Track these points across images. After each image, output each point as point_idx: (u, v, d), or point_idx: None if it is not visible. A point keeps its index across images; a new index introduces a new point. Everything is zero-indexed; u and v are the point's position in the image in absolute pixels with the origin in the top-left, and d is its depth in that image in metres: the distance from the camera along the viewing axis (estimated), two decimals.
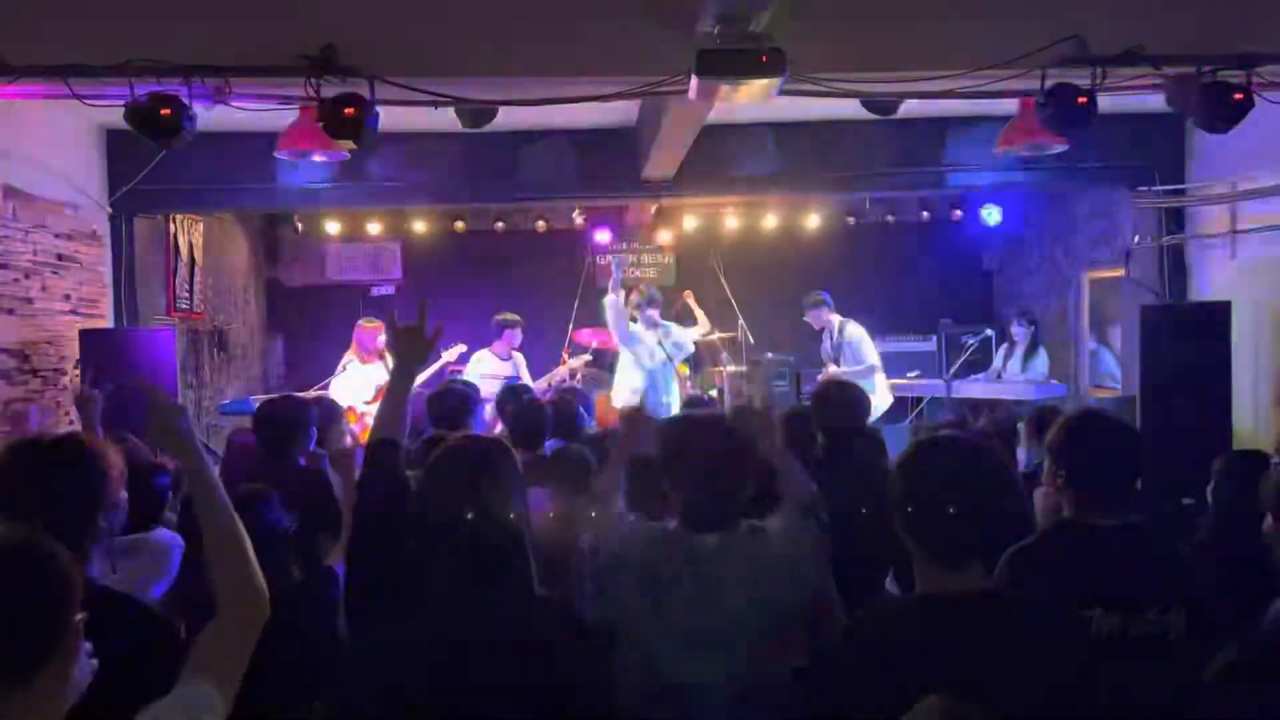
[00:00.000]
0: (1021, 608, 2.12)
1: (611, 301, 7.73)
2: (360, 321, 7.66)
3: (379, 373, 7.29)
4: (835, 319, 8.37)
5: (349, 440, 4.63)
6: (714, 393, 9.22)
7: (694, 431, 2.63)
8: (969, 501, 2.02)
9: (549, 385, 8.08)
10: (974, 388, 8.57)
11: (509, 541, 2.19)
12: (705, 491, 2.51)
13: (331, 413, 4.90)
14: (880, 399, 7.65)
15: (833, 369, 8.17)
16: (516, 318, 8.13)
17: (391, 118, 4.79)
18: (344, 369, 7.54)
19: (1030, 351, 8.65)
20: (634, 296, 7.96)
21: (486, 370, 7.84)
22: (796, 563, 2.52)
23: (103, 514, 2.30)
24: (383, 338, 7.42)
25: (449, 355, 7.97)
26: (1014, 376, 8.60)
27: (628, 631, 2.39)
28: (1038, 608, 2.14)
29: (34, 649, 1.52)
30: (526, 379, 8.09)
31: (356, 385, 7.40)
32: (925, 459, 2.13)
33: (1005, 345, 8.95)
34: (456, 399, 4.76)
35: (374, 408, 7.26)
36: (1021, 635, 2.01)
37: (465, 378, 7.78)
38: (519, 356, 8.25)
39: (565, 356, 9.11)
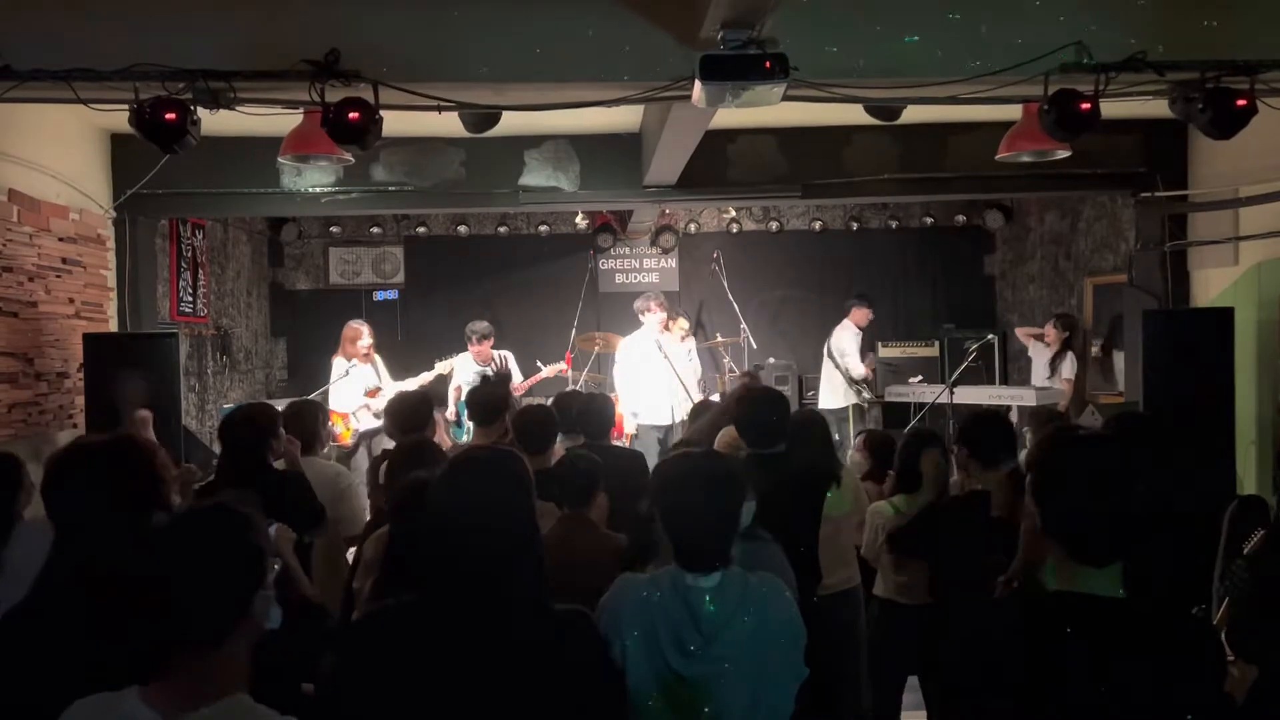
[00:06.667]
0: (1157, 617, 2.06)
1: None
2: (350, 322, 7.69)
3: (370, 374, 7.52)
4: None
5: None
6: (715, 397, 9.24)
7: (688, 469, 2.58)
8: (1106, 500, 2.00)
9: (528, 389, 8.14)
10: (977, 393, 8.57)
11: (520, 551, 2.14)
12: (700, 531, 2.44)
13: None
14: None
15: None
16: (478, 329, 7.98)
17: (395, 122, 4.80)
18: (347, 373, 7.58)
19: (1059, 356, 8.67)
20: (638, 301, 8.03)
21: (467, 377, 7.95)
22: (791, 603, 2.50)
23: (156, 515, 2.32)
24: (368, 339, 7.50)
25: (442, 367, 8.00)
26: (1036, 376, 8.66)
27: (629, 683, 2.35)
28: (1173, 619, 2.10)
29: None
30: (518, 376, 8.14)
31: (355, 387, 7.50)
32: (1062, 457, 2.10)
33: (1034, 347, 8.98)
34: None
35: (372, 402, 7.33)
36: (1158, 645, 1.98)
37: (454, 380, 7.90)
38: (502, 354, 8.22)
39: (569, 358, 9.16)
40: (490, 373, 7.62)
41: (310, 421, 4.72)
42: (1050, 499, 2.06)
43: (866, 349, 9.34)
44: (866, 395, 9.09)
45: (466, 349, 8.08)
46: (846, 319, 9.17)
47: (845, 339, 9.09)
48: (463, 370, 8.03)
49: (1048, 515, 2.06)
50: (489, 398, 5.03)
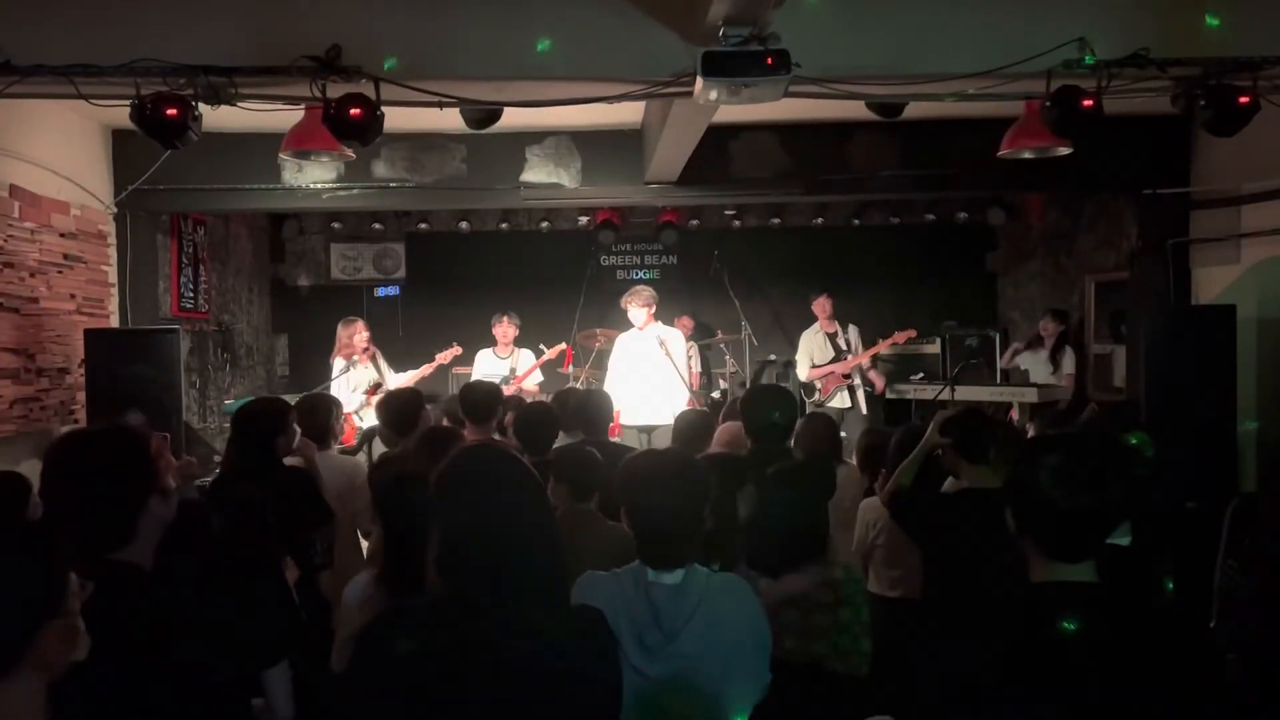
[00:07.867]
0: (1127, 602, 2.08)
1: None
2: (343, 321, 7.66)
3: (370, 372, 7.50)
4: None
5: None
6: (716, 394, 9.23)
7: (650, 467, 2.60)
8: (1076, 501, 2.00)
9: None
10: (979, 391, 8.54)
11: (537, 548, 2.11)
12: (664, 528, 2.45)
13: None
14: None
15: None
16: (500, 315, 8.27)
17: (396, 118, 4.80)
18: (350, 367, 7.58)
19: (1057, 350, 8.65)
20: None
21: (485, 369, 8.08)
22: (755, 604, 2.51)
23: (152, 499, 2.34)
24: (363, 335, 7.47)
25: (442, 358, 8.04)
26: (1037, 375, 8.64)
27: None
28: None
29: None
30: (532, 375, 8.15)
31: (357, 385, 7.51)
32: (1033, 457, 2.10)
33: (1029, 344, 8.95)
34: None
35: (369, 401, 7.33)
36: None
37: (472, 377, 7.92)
38: (523, 353, 8.27)
39: (569, 354, 9.16)
40: (504, 375, 7.76)
41: (324, 416, 4.71)
42: (1021, 498, 2.07)
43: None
44: (808, 400, 8.81)
45: (469, 349, 8.14)
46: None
47: (801, 341, 8.98)
48: (480, 370, 8.08)
49: (1019, 514, 2.07)
50: (483, 394, 5.02)
